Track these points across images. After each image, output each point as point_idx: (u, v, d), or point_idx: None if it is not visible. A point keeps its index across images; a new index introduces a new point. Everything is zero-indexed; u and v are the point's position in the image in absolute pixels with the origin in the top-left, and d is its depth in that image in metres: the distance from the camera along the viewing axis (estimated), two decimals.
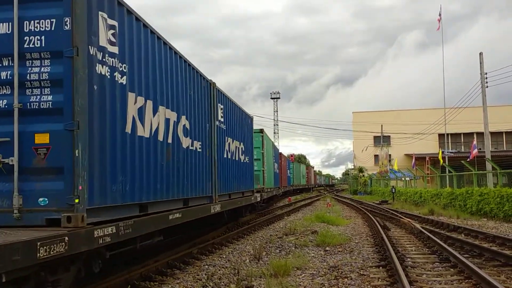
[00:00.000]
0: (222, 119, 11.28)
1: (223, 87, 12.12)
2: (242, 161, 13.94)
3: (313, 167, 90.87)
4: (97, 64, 5.21)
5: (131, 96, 6.05)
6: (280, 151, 32.50)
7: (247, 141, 14.98)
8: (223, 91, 11.62)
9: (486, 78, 25.43)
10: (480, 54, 25.40)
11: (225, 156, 11.58)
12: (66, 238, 4.27)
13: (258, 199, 16.58)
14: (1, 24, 4.98)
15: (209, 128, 10.13)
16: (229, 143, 12.08)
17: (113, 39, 5.60)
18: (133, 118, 6.11)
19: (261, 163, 19.42)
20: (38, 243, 3.90)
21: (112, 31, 5.59)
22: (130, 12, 6.09)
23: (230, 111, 12.42)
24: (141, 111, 6.36)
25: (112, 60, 5.56)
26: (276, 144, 45.52)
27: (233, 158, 12.60)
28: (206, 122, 9.84)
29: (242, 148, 13.96)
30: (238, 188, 13.24)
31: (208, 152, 9.91)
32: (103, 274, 6.93)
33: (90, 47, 5.06)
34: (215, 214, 10.24)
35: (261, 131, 19.99)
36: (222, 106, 11.29)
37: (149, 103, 6.67)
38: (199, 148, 9.20)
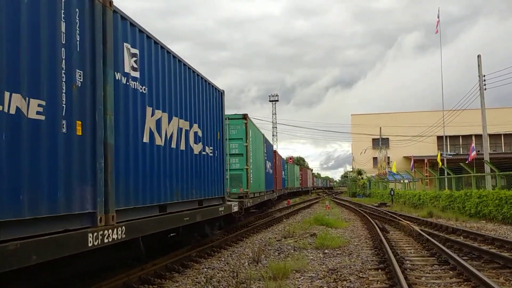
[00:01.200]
0: (136, 74, 6.43)
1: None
2: (197, 153, 8.95)
3: (311, 170, 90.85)
4: None
5: None
6: (274, 148, 30.00)
7: (210, 125, 9.99)
8: (144, 29, 6.80)
9: (485, 80, 25.50)
10: (478, 56, 25.48)
11: (145, 140, 6.65)
12: None
13: (235, 208, 12.12)
14: None
15: (92, 80, 5.23)
16: (158, 120, 7.12)
17: None
18: None
19: (244, 159, 15.35)
20: None
21: None
22: None
23: (160, 65, 7.33)
24: None
25: None
26: (274, 147, 44.70)
27: (174, 147, 7.75)
28: (72, 63, 4.87)
29: (197, 133, 9.00)
30: (186, 194, 8.28)
31: (82, 128, 5.00)
32: (101, 277, 6.92)
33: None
34: (111, 246, 5.50)
35: (245, 117, 15.61)
36: (136, 51, 6.49)
37: None
38: (39, 115, 4.34)
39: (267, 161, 21.63)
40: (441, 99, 35.55)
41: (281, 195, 34.33)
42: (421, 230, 13.57)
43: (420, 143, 49.89)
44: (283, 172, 34.42)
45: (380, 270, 8.31)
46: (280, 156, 34.30)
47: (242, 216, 15.36)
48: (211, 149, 10.07)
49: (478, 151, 30.68)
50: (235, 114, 15.61)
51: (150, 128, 6.86)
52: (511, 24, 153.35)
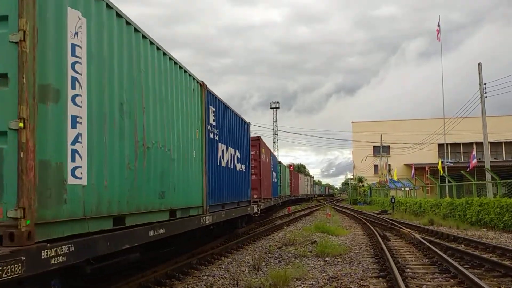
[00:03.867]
0: None
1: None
2: None
3: (312, 177, 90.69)
4: None
5: None
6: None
7: None
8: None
9: (485, 88, 25.54)
10: (479, 64, 25.54)
11: None
12: None
13: None
14: None
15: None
16: None
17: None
18: None
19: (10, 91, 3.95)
20: None
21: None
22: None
23: None
24: None
25: None
26: (275, 153, 43.75)
27: None
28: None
29: None
30: None
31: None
32: (100, 284, 6.90)
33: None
34: None
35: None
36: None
37: None
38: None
39: (228, 147, 12.04)
40: (445, 105, 35.60)
41: (270, 207, 24.41)
42: (422, 238, 13.54)
43: (421, 151, 49.87)
44: (274, 175, 24.70)
45: (381, 278, 8.29)
46: (270, 151, 24.02)
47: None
48: None
49: (479, 159, 30.65)
50: None
51: None
52: None
